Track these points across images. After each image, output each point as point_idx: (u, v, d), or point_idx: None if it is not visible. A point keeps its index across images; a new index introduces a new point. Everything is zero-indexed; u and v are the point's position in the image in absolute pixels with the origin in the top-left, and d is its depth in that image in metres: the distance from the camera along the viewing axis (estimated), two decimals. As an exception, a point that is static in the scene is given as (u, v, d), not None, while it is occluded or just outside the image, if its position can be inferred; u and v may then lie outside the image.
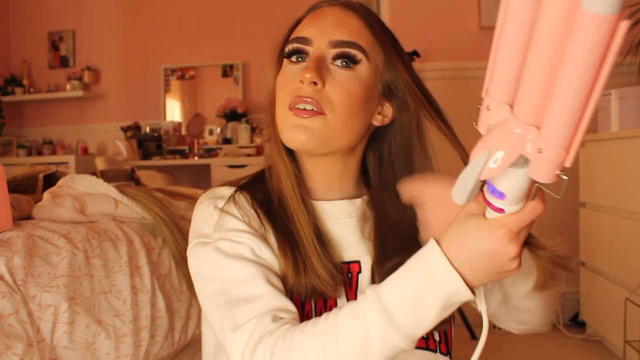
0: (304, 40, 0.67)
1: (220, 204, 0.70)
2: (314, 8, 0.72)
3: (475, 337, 2.21)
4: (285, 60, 0.70)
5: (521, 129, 0.42)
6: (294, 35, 0.70)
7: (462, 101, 2.44)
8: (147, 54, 4.36)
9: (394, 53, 0.70)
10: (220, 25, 4.24)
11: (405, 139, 0.72)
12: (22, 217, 1.30)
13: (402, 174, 0.72)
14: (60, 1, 4.45)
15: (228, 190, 0.72)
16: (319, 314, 0.69)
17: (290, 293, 0.66)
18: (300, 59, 0.68)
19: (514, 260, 0.51)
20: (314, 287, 0.66)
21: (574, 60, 0.36)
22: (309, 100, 0.64)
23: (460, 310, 2.20)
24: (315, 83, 0.64)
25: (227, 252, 0.65)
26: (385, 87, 0.71)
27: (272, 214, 0.70)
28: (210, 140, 4.26)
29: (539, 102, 0.40)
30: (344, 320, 0.55)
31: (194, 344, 1.44)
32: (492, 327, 2.29)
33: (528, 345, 2.16)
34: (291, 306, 0.62)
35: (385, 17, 2.48)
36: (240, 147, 4.05)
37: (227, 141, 4.17)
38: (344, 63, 0.66)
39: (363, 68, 0.67)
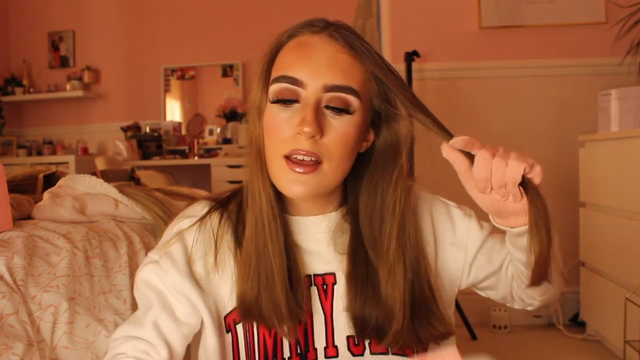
0: (294, 81, 0.64)
1: (186, 224, 0.74)
2: (297, 35, 0.68)
3: (475, 337, 2.21)
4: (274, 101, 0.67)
5: None
6: (281, 69, 0.66)
7: (462, 101, 2.44)
8: (147, 54, 4.36)
9: (380, 79, 0.68)
10: (220, 25, 4.24)
11: (386, 156, 0.72)
12: (22, 217, 1.30)
13: (382, 188, 0.72)
14: (60, 1, 4.45)
15: (204, 210, 0.76)
16: (293, 346, 0.70)
17: (255, 323, 0.70)
18: (288, 102, 0.65)
19: None
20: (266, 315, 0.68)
21: None
22: (307, 152, 0.64)
23: (460, 310, 2.20)
24: (313, 136, 0.63)
25: (148, 281, 0.72)
26: (374, 116, 0.71)
27: (240, 234, 0.72)
28: (210, 140, 4.26)
29: None
30: None
31: (194, 344, 1.44)
32: (492, 326, 2.28)
33: (528, 345, 2.16)
34: (161, 350, 0.68)
35: (385, 17, 2.48)
36: (240, 147, 4.05)
37: (227, 141, 4.17)
38: (339, 108, 0.65)
39: (356, 110, 0.66)
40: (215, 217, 0.74)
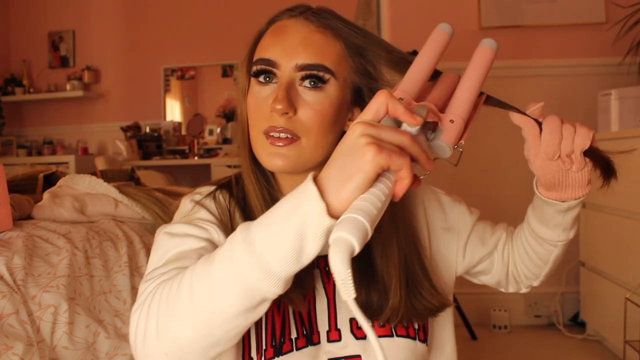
0: (269, 62, 0.67)
1: (198, 198, 0.74)
2: (276, 20, 0.71)
3: (475, 337, 2.21)
4: (253, 80, 0.70)
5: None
6: (258, 53, 0.70)
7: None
8: (147, 54, 4.36)
9: (360, 54, 0.70)
10: (220, 25, 4.24)
11: None
12: (22, 217, 1.30)
13: None
14: (60, 1, 4.45)
15: (209, 189, 0.77)
16: (299, 326, 0.70)
17: None
18: (267, 79, 0.68)
19: (366, 148, 0.46)
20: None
21: (476, 72, 0.60)
22: (283, 129, 0.66)
23: (460, 310, 2.20)
24: (286, 112, 0.65)
25: (177, 233, 0.66)
26: (355, 94, 0.72)
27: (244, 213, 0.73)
28: (210, 140, 4.26)
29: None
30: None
31: (194, 344, 1.44)
32: (492, 326, 2.28)
33: (528, 345, 2.16)
34: None
35: (385, 17, 2.48)
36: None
37: (227, 141, 4.17)
38: (312, 83, 0.67)
39: (331, 87, 0.68)
40: (225, 193, 0.76)
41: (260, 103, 0.68)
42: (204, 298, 0.50)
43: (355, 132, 0.48)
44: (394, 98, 0.50)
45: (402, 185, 0.48)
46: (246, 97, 0.72)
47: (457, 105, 0.57)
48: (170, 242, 0.65)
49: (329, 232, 0.47)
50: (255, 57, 0.70)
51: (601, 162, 0.65)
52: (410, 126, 0.51)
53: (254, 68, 0.69)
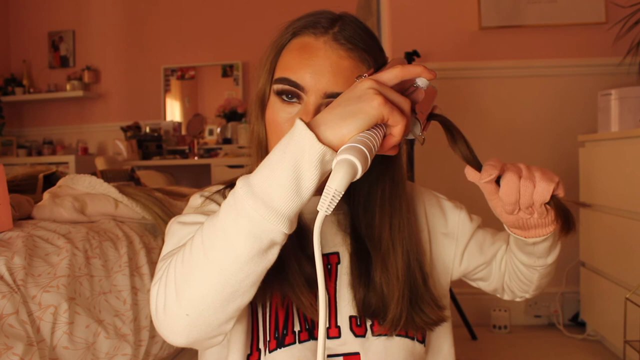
0: (296, 85, 0.65)
1: (207, 194, 0.76)
2: (301, 33, 0.68)
3: (475, 337, 2.21)
4: (275, 96, 0.68)
5: None
6: (283, 70, 0.67)
7: (462, 101, 2.44)
8: (147, 54, 4.36)
9: None
10: (220, 25, 4.24)
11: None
12: (22, 217, 1.30)
13: (377, 173, 0.72)
14: (60, 1, 4.46)
15: (218, 187, 0.78)
16: (302, 320, 0.70)
17: (269, 293, 0.69)
18: (290, 97, 0.67)
19: (374, 96, 0.51)
20: (285, 289, 0.67)
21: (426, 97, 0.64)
22: None
23: (459, 310, 2.20)
24: None
25: (189, 222, 0.68)
26: None
27: None
28: (210, 140, 4.26)
29: None
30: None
31: (194, 344, 1.44)
32: (492, 326, 2.29)
33: (528, 345, 2.16)
34: None
35: (385, 17, 2.48)
36: (240, 147, 4.05)
37: (227, 141, 4.17)
38: None
39: None
40: None
41: (282, 123, 0.67)
42: (215, 248, 0.51)
43: (365, 84, 0.52)
44: (407, 65, 0.56)
45: (392, 141, 0.53)
46: (264, 107, 0.70)
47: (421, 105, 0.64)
48: (183, 229, 0.67)
49: (323, 161, 0.49)
50: (280, 74, 0.67)
51: (561, 214, 0.62)
52: (421, 82, 0.60)
53: (279, 86, 0.67)
